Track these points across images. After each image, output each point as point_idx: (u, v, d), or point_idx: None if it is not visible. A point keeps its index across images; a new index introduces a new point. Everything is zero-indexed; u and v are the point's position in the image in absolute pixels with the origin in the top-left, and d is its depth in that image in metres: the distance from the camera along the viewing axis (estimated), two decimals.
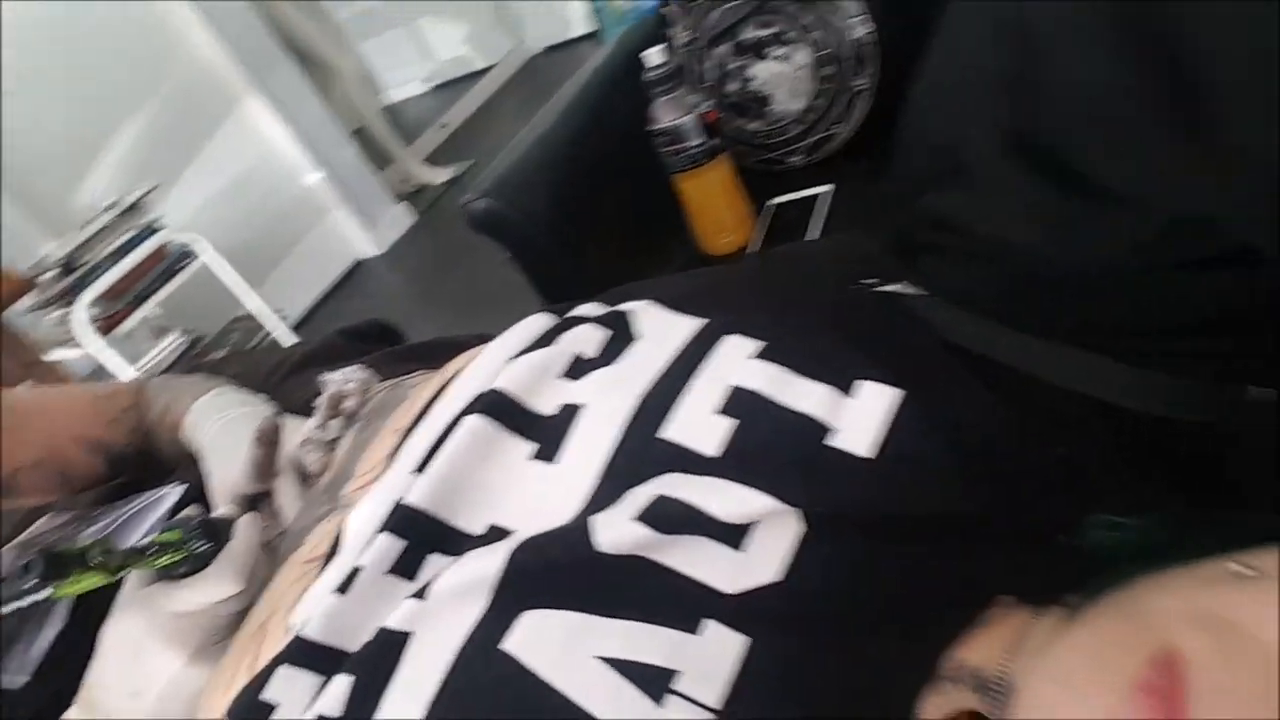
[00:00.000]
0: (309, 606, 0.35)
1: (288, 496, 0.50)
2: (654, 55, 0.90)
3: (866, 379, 0.34)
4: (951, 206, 0.35)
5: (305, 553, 0.42)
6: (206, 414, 0.56)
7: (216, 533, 0.44)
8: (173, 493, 0.57)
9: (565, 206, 0.93)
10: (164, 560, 0.42)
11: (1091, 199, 0.29)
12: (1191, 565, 0.27)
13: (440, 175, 3.08)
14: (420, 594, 0.32)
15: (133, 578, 0.43)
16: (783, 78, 1.06)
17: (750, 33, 1.03)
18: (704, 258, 1.04)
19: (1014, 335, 0.35)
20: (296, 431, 0.54)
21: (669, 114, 0.91)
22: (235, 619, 0.43)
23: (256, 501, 0.53)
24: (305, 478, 0.52)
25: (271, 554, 0.47)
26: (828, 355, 0.35)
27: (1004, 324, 0.35)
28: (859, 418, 0.33)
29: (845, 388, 0.34)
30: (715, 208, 1.00)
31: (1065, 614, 0.30)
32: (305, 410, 0.56)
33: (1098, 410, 0.35)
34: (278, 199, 2.67)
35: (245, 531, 0.45)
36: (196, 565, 0.43)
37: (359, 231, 2.81)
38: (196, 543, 0.43)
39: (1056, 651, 0.28)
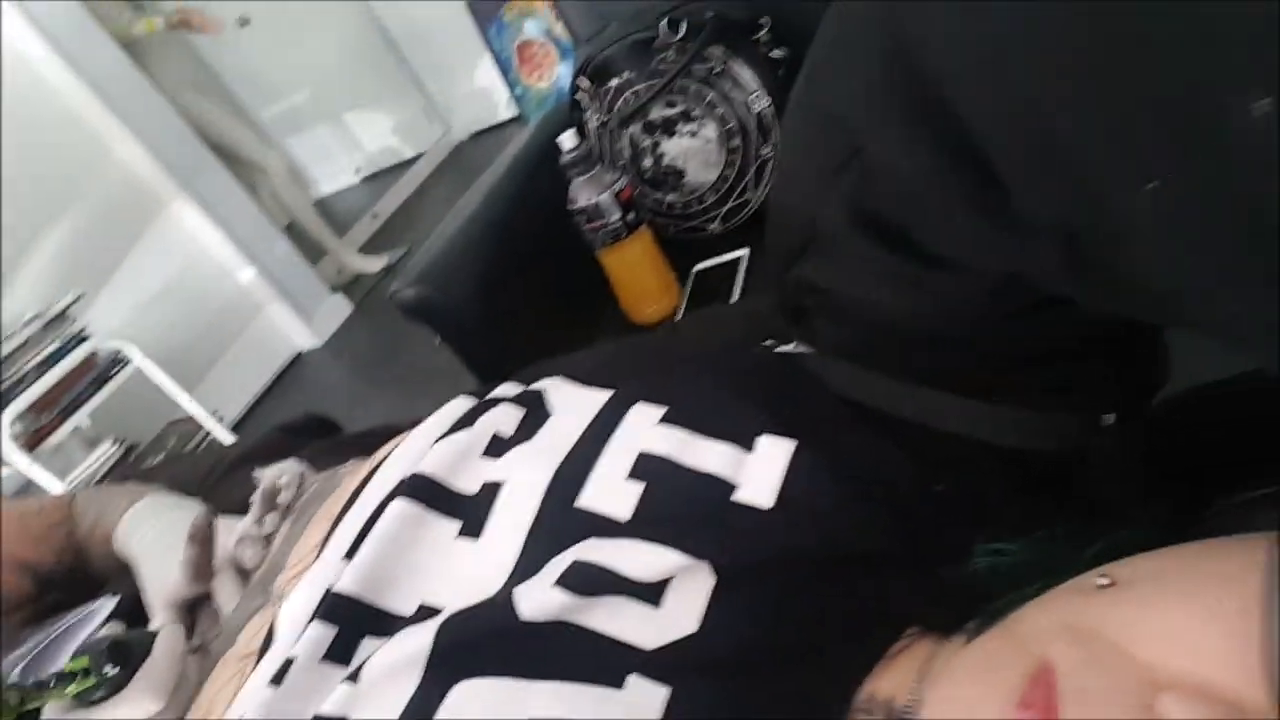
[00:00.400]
0: (244, 703, 0.36)
1: (227, 595, 0.50)
2: (567, 139, 0.95)
3: (764, 434, 0.37)
4: (817, 273, 0.39)
5: (239, 649, 0.43)
6: (139, 522, 0.56)
7: (128, 655, 0.43)
8: (104, 607, 0.56)
9: (493, 288, 0.96)
10: (73, 689, 0.41)
11: (929, 262, 0.33)
12: (1065, 582, 0.30)
13: (375, 264, 3.11)
14: (353, 677, 0.33)
15: (49, 707, 0.42)
16: (693, 152, 1.12)
17: (658, 113, 1.09)
18: (633, 328, 1.08)
19: (893, 384, 0.39)
20: (233, 530, 0.54)
21: (586, 194, 0.96)
22: None
23: (196, 605, 0.52)
24: (244, 575, 0.52)
25: (205, 656, 0.47)
26: (727, 415, 0.38)
27: (882, 374, 0.39)
28: (759, 471, 0.36)
29: (746, 444, 0.37)
30: (640, 279, 1.04)
31: (964, 640, 0.33)
32: (243, 509, 0.57)
33: (976, 446, 0.39)
34: (210, 299, 2.65)
35: (165, 644, 0.45)
36: (113, 687, 0.42)
37: (296, 325, 2.80)
38: (106, 667, 0.42)
39: (950, 673, 0.31)
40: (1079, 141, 0.25)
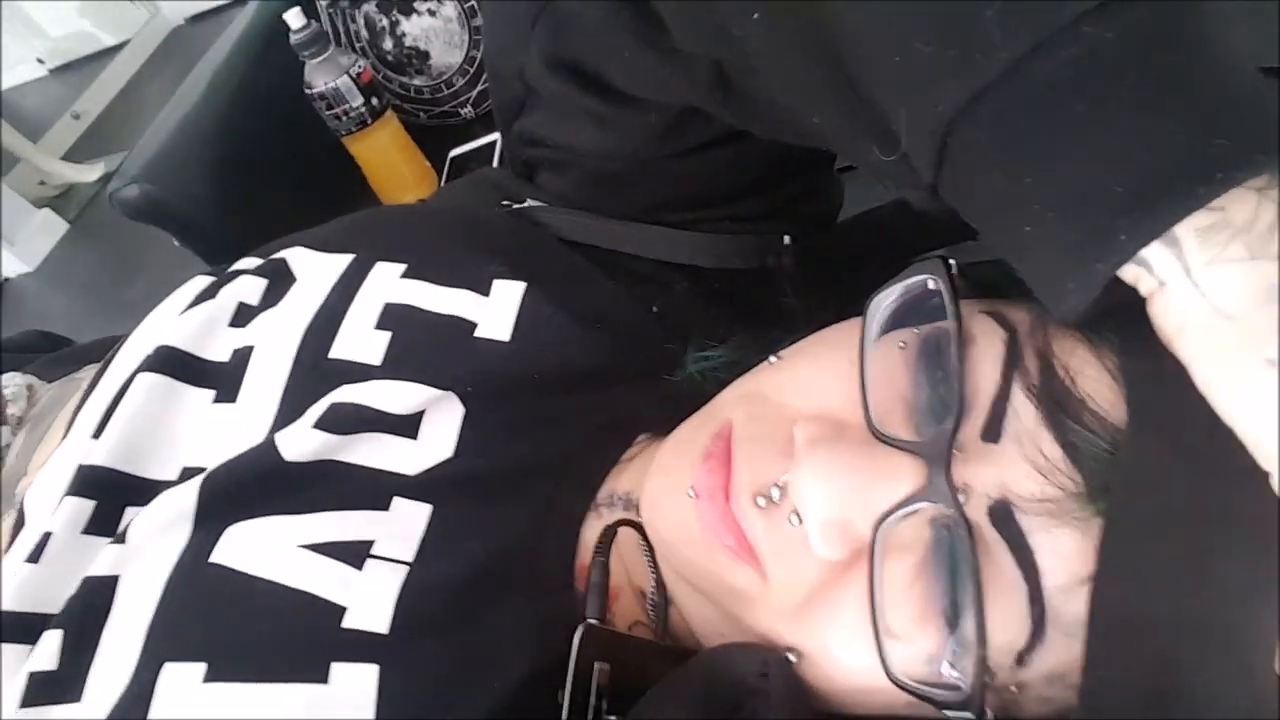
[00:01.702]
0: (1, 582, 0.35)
1: None
2: (294, 18, 0.89)
3: (498, 279, 0.41)
4: (533, 125, 0.43)
5: None
6: None
7: None
8: None
9: (231, 181, 0.90)
10: None
11: (620, 100, 0.38)
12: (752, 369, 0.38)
13: (89, 173, 2.69)
14: (121, 539, 0.34)
15: None
16: (436, 31, 1.09)
17: None
18: None
19: (607, 223, 0.44)
20: None
21: (322, 77, 0.91)
22: None
23: None
24: None
25: None
26: (464, 266, 0.42)
27: (598, 215, 0.44)
28: (496, 311, 0.41)
29: (483, 290, 0.41)
30: (392, 167, 1.02)
31: None
32: None
33: (679, 269, 0.46)
34: None
35: None
36: None
37: None
38: None
39: (660, 452, 0.37)
40: None
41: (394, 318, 0.40)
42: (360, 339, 0.39)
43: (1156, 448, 0.25)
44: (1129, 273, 0.22)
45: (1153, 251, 0.21)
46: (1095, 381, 0.27)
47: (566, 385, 0.41)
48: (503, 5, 0.41)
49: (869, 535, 0.29)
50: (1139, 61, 0.21)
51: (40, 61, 3.49)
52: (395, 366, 0.38)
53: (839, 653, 0.29)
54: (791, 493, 0.29)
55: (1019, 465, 0.27)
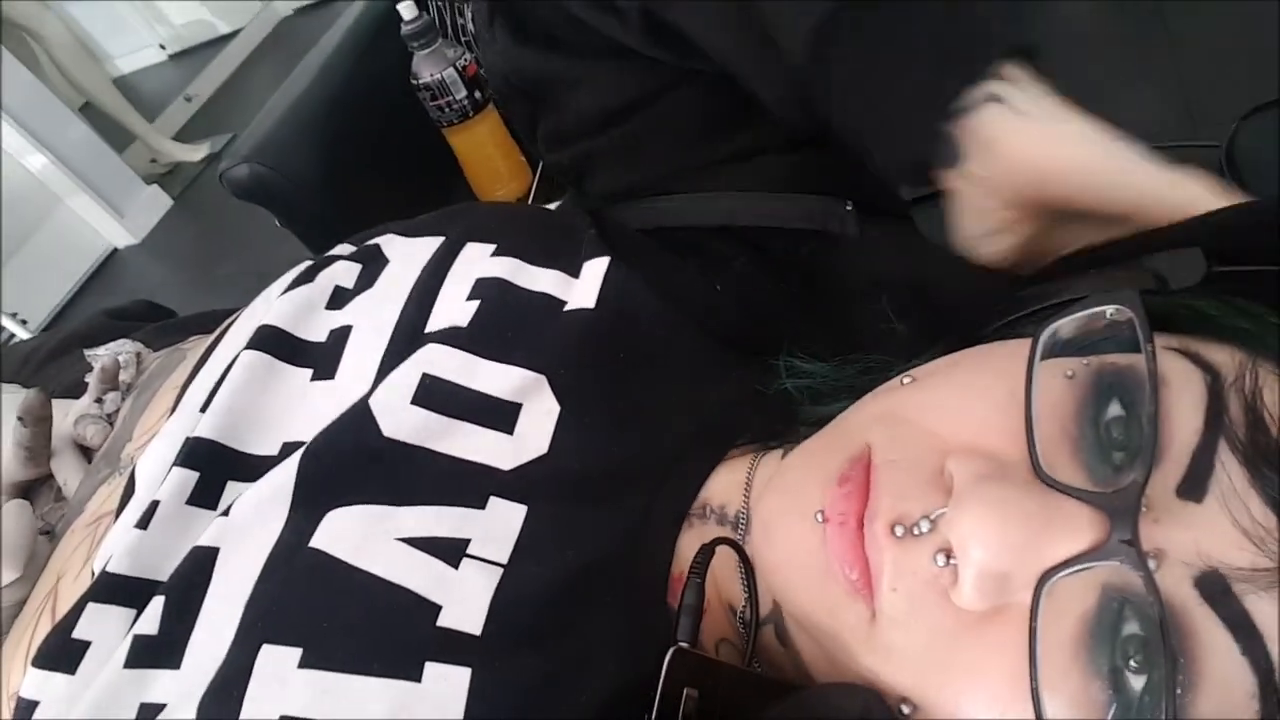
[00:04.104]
0: (110, 547, 0.36)
1: (71, 473, 0.49)
2: (406, 9, 0.90)
3: (586, 260, 0.41)
4: (547, 124, 0.47)
5: (88, 516, 0.42)
6: None
7: None
8: None
9: (335, 167, 0.92)
10: None
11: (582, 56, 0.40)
12: (877, 387, 0.35)
13: (195, 152, 2.82)
14: (225, 513, 0.34)
15: None
16: None
17: None
18: None
19: (659, 200, 0.47)
20: (69, 412, 0.52)
21: (429, 68, 0.92)
22: (14, 611, 0.42)
23: (33, 489, 0.50)
24: (86, 454, 0.51)
25: (52, 537, 0.46)
26: (553, 248, 0.42)
27: (657, 194, 0.46)
28: (583, 287, 0.40)
29: (573, 272, 0.41)
30: (488, 160, 1.03)
31: (790, 449, 0.38)
32: (74, 391, 0.54)
33: (739, 245, 0.46)
34: None
35: (13, 514, 0.43)
36: None
37: (106, 219, 2.52)
38: None
39: (780, 471, 0.35)
40: None
41: (484, 289, 0.40)
42: (453, 310, 0.39)
43: None
44: None
45: None
46: None
47: (656, 373, 0.40)
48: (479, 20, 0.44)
49: (1024, 591, 0.26)
50: None
51: (162, 47, 3.68)
52: (480, 332, 0.38)
53: (978, 715, 0.26)
54: (950, 532, 0.26)
55: (1225, 530, 0.24)
